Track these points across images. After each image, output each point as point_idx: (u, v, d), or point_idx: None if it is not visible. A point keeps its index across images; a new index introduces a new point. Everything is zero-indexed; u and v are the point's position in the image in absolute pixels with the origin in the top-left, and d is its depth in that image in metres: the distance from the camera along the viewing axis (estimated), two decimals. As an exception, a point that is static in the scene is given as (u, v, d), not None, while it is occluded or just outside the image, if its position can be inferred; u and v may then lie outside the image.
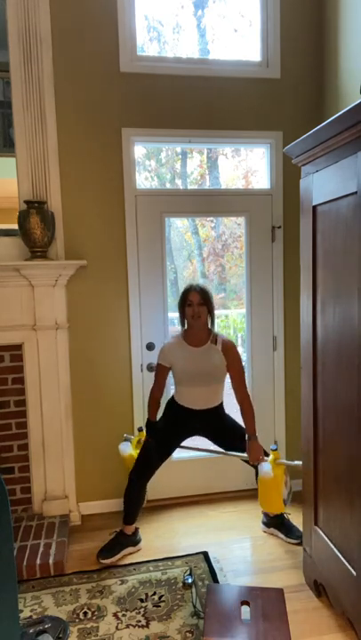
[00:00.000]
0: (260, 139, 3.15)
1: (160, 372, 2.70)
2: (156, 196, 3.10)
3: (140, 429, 2.82)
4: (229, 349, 2.62)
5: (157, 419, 2.76)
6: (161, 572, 2.49)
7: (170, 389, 2.95)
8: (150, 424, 2.74)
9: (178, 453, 2.91)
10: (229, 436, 2.73)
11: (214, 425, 2.74)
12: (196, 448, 2.84)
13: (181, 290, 2.66)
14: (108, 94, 2.92)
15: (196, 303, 2.56)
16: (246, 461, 2.68)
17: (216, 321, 2.71)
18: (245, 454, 2.63)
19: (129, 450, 2.76)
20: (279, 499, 2.49)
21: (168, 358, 2.66)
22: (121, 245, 3.03)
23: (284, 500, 2.51)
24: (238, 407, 2.68)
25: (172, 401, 2.76)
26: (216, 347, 2.62)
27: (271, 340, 3.28)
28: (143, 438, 2.76)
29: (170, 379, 2.75)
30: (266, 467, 2.50)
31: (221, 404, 2.77)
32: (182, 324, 2.67)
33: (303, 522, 2.39)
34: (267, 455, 2.63)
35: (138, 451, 2.74)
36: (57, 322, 2.90)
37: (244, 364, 2.81)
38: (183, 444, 2.78)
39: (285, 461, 2.55)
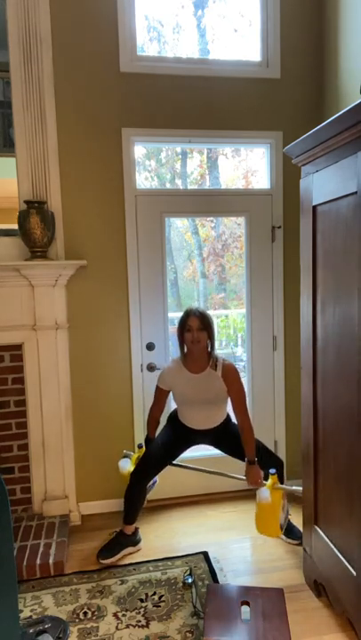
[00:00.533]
0: (260, 139, 3.15)
1: (160, 394, 2.70)
2: (156, 195, 3.10)
3: (140, 446, 2.79)
4: (230, 374, 2.56)
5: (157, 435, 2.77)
6: (161, 572, 2.49)
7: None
8: (149, 441, 2.74)
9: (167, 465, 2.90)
10: (233, 446, 2.70)
11: (217, 438, 2.74)
12: (195, 468, 2.81)
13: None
14: (108, 94, 2.92)
15: (196, 328, 2.50)
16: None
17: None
18: (244, 477, 2.60)
19: (128, 467, 2.73)
20: (276, 523, 2.45)
21: (167, 383, 2.65)
22: (121, 245, 3.03)
23: (281, 525, 2.47)
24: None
25: (174, 415, 2.76)
26: (216, 372, 2.56)
27: (271, 340, 3.28)
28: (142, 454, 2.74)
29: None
30: (264, 492, 2.46)
31: (227, 419, 2.74)
32: (181, 349, 2.60)
33: (303, 522, 2.39)
34: (266, 479, 2.61)
35: None
36: (57, 322, 2.90)
37: (244, 363, 2.81)
38: (183, 458, 2.77)
39: (284, 486, 2.51)
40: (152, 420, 2.75)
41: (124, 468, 2.74)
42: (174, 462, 2.77)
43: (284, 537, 2.74)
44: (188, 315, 2.53)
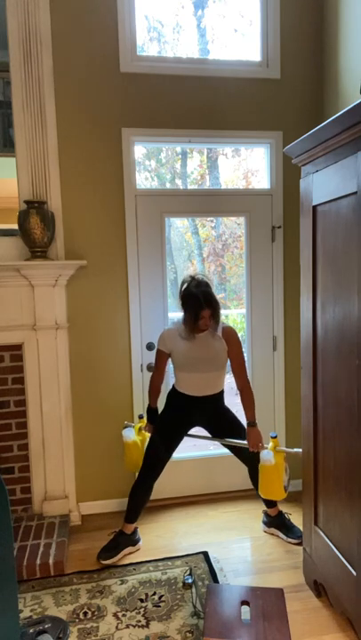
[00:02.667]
0: (260, 139, 3.15)
1: (160, 357, 2.69)
2: (156, 196, 3.10)
3: (140, 416, 2.83)
4: (230, 335, 2.61)
5: (158, 408, 2.77)
6: (161, 572, 2.49)
7: (169, 382, 2.94)
8: (151, 411, 2.75)
9: (178, 453, 2.90)
10: (228, 429, 2.72)
11: (214, 415, 2.72)
12: (198, 436, 2.81)
13: (185, 292, 2.54)
14: (108, 94, 2.92)
15: (208, 317, 2.52)
16: (242, 454, 2.69)
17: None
18: (245, 442, 2.63)
19: (132, 436, 2.75)
20: (280, 485, 2.51)
21: (168, 344, 2.64)
22: (121, 245, 3.03)
23: (285, 487, 2.53)
24: (240, 400, 2.68)
25: (172, 392, 2.75)
26: (217, 333, 2.60)
27: (271, 340, 3.28)
28: (144, 425, 2.77)
29: (169, 367, 2.75)
30: (267, 454, 2.51)
31: (222, 392, 2.75)
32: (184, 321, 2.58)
33: (303, 522, 2.39)
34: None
35: (140, 437, 2.75)
36: (57, 322, 2.90)
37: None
38: (183, 458, 2.77)
39: (286, 449, 2.56)
40: (153, 388, 2.74)
41: (129, 437, 2.75)
42: (190, 433, 2.76)
43: (284, 537, 2.74)
44: (200, 308, 2.47)
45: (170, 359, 2.70)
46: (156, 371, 2.73)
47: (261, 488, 2.58)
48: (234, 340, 2.62)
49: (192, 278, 2.56)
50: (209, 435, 2.77)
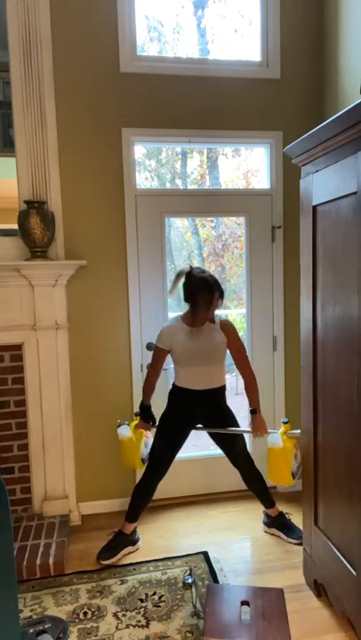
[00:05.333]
0: (260, 139, 3.15)
1: (158, 355, 2.68)
2: (156, 196, 3.10)
3: (136, 414, 2.82)
4: (228, 327, 2.64)
5: (151, 405, 2.76)
6: (161, 572, 2.49)
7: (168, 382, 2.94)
8: (144, 408, 2.74)
9: (178, 453, 2.90)
10: (227, 422, 2.71)
11: (215, 412, 2.71)
12: (201, 428, 2.80)
13: (183, 309, 2.61)
14: (108, 94, 2.92)
15: (216, 302, 2.56)
16: (233, 459, 2.71)
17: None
18: (249, 429, 2.64)
19: (128, 433, 2.75)
20: (288, 470, 2.49)
21: (167, 341, 2.63)
22: (121, 245, 3.03)
23: (293, 473, 2.51)
24: (242, 390, 2.70)
25: (173, 389, 2.74)
26: (215, 325, 2.62)
27: (271, 340, 3.28)
28: (138, 422, 2.76)
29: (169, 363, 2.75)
30: (276, 437, 2.51)
31: (223, 388, 2.73)
32: (185, 302, 2.59)
33: (303, 522, 2.39)
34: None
35: (136, 435, 2.75)
36: (57, 322, 2.90)
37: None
38: (184, 458, 2.78)
39: (297, 433, 2.49)
40: (149, 385, 2.73)
41: (124, 434, 2.75)
42: (198, 426, 2.75)
43: (285, 537, 2.74)
44: (214, 288, 2.51)
45: (169, 356, 2.70)
46: (153, 368, 2.72)
47: (269, 472, 2.57)
48: (232, 330, 2.65)
49: (192, 268, 2.57)
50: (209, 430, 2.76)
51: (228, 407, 2.76)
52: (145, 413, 2.75)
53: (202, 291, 2.50)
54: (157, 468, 2.66)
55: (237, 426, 2.71)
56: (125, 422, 2.84)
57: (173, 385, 2.74)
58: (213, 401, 2.70)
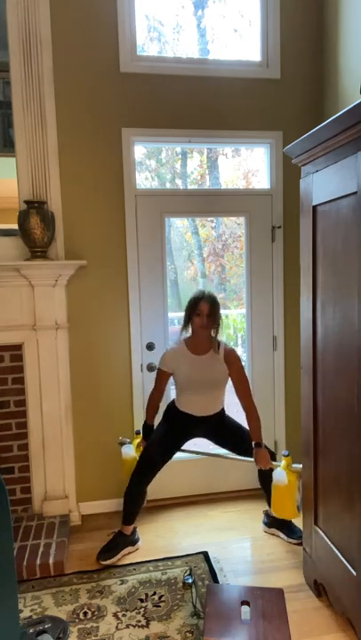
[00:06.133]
0: (260, 139, 3.15)
1: (161, 377, 2.69)
2: (156, 196, 3.10)
3: (137, 432, 2.81)
4: (232, 358, 2.60)
5: (155, 423, 2.77)
6: (161, 572, 2.49)
7: (169, 393, 2.95)
8: (147, 427, 2.74)
9: (178, 453, 2.91)
10: (231, 436, 2.72)
11: (215, 428, 2.73)
12: (203, 452, 2.82)
13: (189, 295, 2.61)
14: (108, 94, 2.92)
15: (206, 314, 2.52)
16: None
17: (220, 324, 2.62)
18: (252, 459, 2.62)
19: (132, 453, 2.73)
20: (293, 505, 2.47)
21: (170, 365, 2.65)
22: (121, 245, 3.03)
23: (298, 507, 2.48)
24: (243, 412, 2.67)
25: (171, 406, 2.75)
26: (218, 356, 2.59)
27: (271, 340, 3.28)
28: (141, 441, 2.75)
29: (170, 383, 2.75)
30: (280, 474, 2.47)
31: (222, 410, 2.75)
32: (185, 327, 2.62)
33: (303, 522, 2.39)
34: (274, 460, 2.63)
35: (139, 453, 2.73)
36: (57, 322, 2.90)
37: (244, 363, 2.81)
38: (188, 447, 2.77)
39: (299, 466, 2.49)
40: (152, 406, 2.74)
41: (129, 454, 2.73)
42: (184, 449, 2.76)
43: (285, 537, 2.74)
44: (201, 298, 2.54)
45: (171, 377, 2.70)
46: (156, 390, 2.72)
47: (274, 507, 2.55)
48: (235, 362, 2.61)
49: (199, 291, 2.60)
50: (208, 448, 2.76)
51: (227, 417, 2.76)
52: (148, 433, 2.74)
53: (190, 301, 2.56)
54: (145, 472, 2.65)
55: (240, 428, 2.70)
56: (127, 440, 2.82)
57: (173, 403, 2.74)
58: (212, 423, 2.71)
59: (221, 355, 2.60)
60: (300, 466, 2.45)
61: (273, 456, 2.68)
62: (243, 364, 2.67)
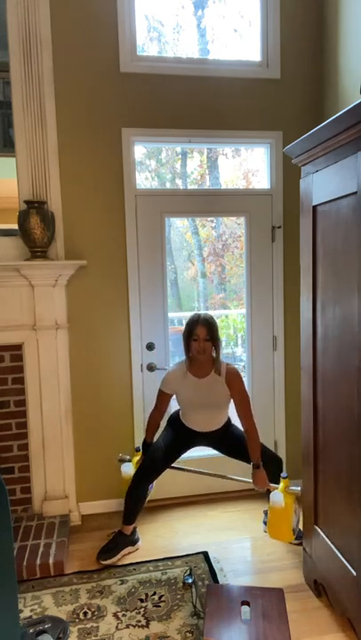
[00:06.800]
0: (260, 139, 3.15)
1: (162, 398, 2.68)
2: (156, 196, 3.10)
3: (137, 450, 2.78)
4: (233, 380, 2.57)
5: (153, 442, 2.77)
6: (161, 572, 2.49)
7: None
8: (147, 446, 2.73)
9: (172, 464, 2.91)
10: (233, 443, 2.71)
11: (220, 440, 2.74)
12: (197, 472, 2.82)
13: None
14: (108, 94, 2.92)
15: (203, 338, 2.49)
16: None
17: (219, 344, 2.59)
18: (250, 480, 2.61)
19: (131, 471, 2.71)
20: (289, 528, 2.45)
21: (171, 387, 2.64)
22: (121, 245, 3.03)
23: (294, 530, 2.47)
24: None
25: (176, 416, 2.76)
26: (220, 378, 2.57)
27: (271, 340, 3.28)
28: (140, 458, 2.73)
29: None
30: (277, 496, 2.45)
31: (228, 422, 2.75)
32: (187, 353, 2.59)
33: (303, 522, 2.39)
34: (279, 464, 2.65)
35: None
36: (57, 322, 2.90)
37: (244, 363, 2.82)
38: (184, 459, 2.79)
39: (296, 489, 2.48)
40: (152, 424, 2.73)
41: (128, 472, 2.71)
42: (175, 466, 2.77)
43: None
44: (196, 323, 2.50)
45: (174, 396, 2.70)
46: (157, 410, 2.71)
47: (270, 529, 2.53)
48: (237, 383, 2.57)
49: (195, 314, 2.59)
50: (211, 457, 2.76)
51: (232, 428, 2.75)
52: (147, 450, 2.73)
53: (186, 325, 2.54)
54: (147, 474, 2.65)
55: (243, 437, 2.68)
56: (127, 457, 2.81)
57: (178, 413, 2.75)
58: (216, 436, 2.71)
59: (223, 376, 2.56)
60: (298, 488, 2.44)
61: (280, 464, 2.68)
62: (244, 383, 2.62)
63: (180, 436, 2.72)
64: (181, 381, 2.61)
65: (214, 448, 2.79)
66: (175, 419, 2.76)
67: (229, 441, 2.73)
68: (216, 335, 2.53)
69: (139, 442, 2.90)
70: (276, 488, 2.51)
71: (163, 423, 2.79)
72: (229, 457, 2.76)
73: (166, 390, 2.66)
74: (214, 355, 2.58)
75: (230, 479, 2.72)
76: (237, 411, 2.61)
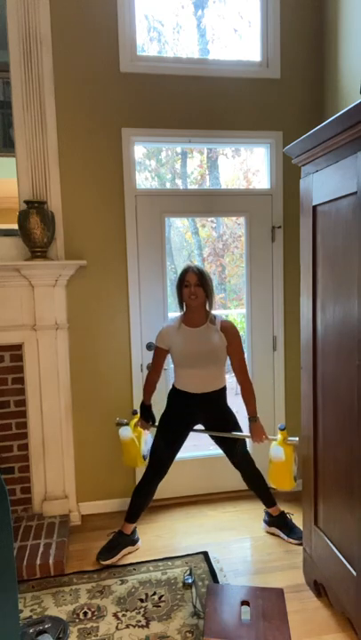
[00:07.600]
0: (260, 139, 3.15)
1: (158, 355, 2.69)
2: (156, 196, 3.10)
3: (134, 412, 2.82)
4: (229, 328, 2.61)
5: (152, 405, 2.78)
6: (161, 572, 2.49)
7: (168, 382, 2.94)
8: (144, 407, 2.75)
9: (178, 454, 2.90)
10: (226, 418, 2.71)
11: (215, 416, 2.70)
12: (201, 430, 2.81)
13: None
14: (108, 94, 2.92)
15: (193, 284, 2.54)
16: (234, 460, 2.73)
17: (211, 294, 2.63)
18: (248, 434, 2.65)
19: (129, 434, 2.75)
20: (290, 476, 2.57)
21: (166, 341, 2.65)
22: (121, 245, 3.03)
23: (295, 477, 2.58)
24: (240, 397, 2.70)
25: (172, 391, 2.74)
26: (214, 327, 2.60)
27: (271, 340, 3.28)
28: (138, 420, 2.77)
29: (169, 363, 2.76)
30: (277, 450, 2.53)
31: (223, 390, 2.72)
32: (180, 307, 2.66)
33: (303, 522, 2.39)
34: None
35: (136, 433, 2.76)
36: (57, 322, 2.90)
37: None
38: (183, 459, 2.81)
39: (295, 439, 2.54)
40: (149, 385, 2.74)
41: (126, 435, 2.75)
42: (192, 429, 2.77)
43: (285, 537, 2.74)
44: (187, 271, 2.57)
45: (169, 356, 2.70)
46: (153, 368, 2.73)
47: (271, 479, 2.62)
48: (232, 332, 2.61)
49: (186, 264, 2.65)
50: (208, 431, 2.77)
51: (228, 409, 2.75)
52: (145, 413, 2.75)
53: (178, 276, 2.59)
54: (157, 468, 2.67)
55: (238, 427, 2.71)
56: (124, 421, 2.84)
57: (173, 387, 2.74)
58: (213, 403, 2.69)
59: (218, 325, 2.61)
60: (296, 439, 2.51)
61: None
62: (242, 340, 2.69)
63: (178, 417, 2.68)
64: (175, 333, 2.62)
65: (208, 427, 2.72)
66: (170, 396, 2.73)
67: (223, 415, 2.70)
68: (208, 282, 2.58)
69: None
70: (275, 440, 2.58)
71: (159, 405, 2.78)
72: (219, 446, 2.75)
73: (161, 345, 2.66)
74: (207, 306, 2.62)
75: (235, 436, 2.70)
76: (233, 364, 2.65)
